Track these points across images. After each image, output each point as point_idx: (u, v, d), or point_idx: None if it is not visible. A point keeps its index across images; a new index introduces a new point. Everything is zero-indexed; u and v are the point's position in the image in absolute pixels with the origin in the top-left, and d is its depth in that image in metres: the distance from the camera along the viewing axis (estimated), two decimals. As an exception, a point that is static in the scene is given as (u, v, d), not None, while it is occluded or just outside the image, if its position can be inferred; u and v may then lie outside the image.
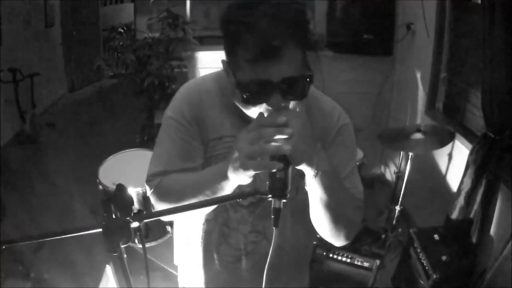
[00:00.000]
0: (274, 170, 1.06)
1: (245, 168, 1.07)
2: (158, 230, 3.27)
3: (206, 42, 4.93)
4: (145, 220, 1.13)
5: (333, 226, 1.30)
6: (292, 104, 1.15)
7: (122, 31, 4.58)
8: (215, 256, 1.54)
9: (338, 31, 4.48)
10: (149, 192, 1.42)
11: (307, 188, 1.21)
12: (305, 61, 1.17)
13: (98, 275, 3.07)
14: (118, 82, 5.04)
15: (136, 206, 3.10)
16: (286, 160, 1.06)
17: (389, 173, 4.74)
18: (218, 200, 1.27)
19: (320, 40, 4.56)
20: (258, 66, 1.10)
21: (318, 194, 1.21)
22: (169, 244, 1.45)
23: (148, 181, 1.42)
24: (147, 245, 3.14)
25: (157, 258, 3.59)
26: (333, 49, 4.55)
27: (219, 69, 1.32)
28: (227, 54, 1.20)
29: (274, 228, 1.09)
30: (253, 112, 1.20)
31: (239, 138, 1.11)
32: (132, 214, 1.08)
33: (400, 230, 3.63)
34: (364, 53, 4.46)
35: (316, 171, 1.14)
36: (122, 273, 1.20)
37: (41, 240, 1.14)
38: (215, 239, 1.52)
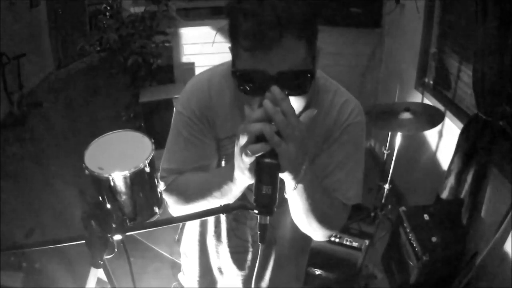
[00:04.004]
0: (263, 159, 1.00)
1: (246, 155, 1.01)
2: (146, 212, 3.26)
3: (192, 14, 4.88)
4: (128, 233, 1.12)
5: (307, 224, 1.28)
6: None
7: (107, 11, 4.50)
8: (227, 248, 1.61)
9: (325, 3, 4.39)
10: (162, 188, 1.43)
11: (286, 195, 1.17)
12: (309, 55, 1.10)
13: (89, 262, 3.08)
14: (103, 58, 4.98)
15: (123, 190, 3.09)
16: (277, 165, 1.01)
17: (378, 147, 4.72)
18: (204, 214, 1.28)
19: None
20: (255, 56, 1.04)
21: (295, 201, 1.19)
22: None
23: (162, 177, 1.43)
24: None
25: (146, 239, 3.62)
26: (320, 21, 4.44)
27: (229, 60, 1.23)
28: (230, 40, 1.13)
29: (259, 244, 1.07)
30: (251, 103, 1.14)
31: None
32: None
33: (390, 207, 3.62)
34: (351, 25, 4.41)
35: (296, 184, 1.10)
36: (109, 282, 1.19)
37: (31, 249, 1.13)
38: (225, 232, 1.59)
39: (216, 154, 1.41)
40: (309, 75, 1.10)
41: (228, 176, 1.17)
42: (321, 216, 1.24)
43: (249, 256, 1.61)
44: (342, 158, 1.32)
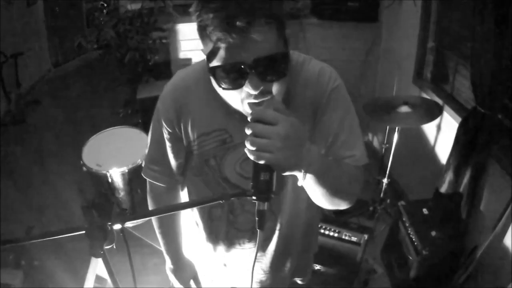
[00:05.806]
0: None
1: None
2: (144, 208, 3.25)
3: (189, 10, 4.84)
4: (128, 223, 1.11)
5: (330, 204, 1.25)
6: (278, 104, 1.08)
7: (104, 8, 4.49)
8: (224, 242, 1.61)
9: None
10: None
11: (299, 184, 1.16)
12: (281, 37, 1.11)
13: (88, 259, 3.08)
14: (101, 55, 4.99)
15: (121, 186, 3.09)
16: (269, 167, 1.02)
17: (377, 141, 4.70)
18: (202, 201, 1.43)
19: (304, 7, 4.48)
20: (229, 49, 1.05)
21: (312, 188, 1.17)
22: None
23: (144, 168, 1.62)
24: (134, 223, 3.16)
25: (144, 235, 3.61)
26: (318, 16, 4.49)
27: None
28: (202, 41, 1.14)
29: (258, 230, 1.07)
30: (234, 99, 1.16)
31: None
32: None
33: (388, 201, 3.61)
34: (349, 19, 4.40)
35: (304, 175, 1.09)
36: (108, 273, 1.18)
37: (31, 241, 1.13)
38: (222, 227, 1.58)
39: (179, 156, 1.50)
40: (284, 57, 1.12)
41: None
42: (341, 191, 1.23)
43: (252, 243, 1.59)
44: (338, 122, 1.32)
